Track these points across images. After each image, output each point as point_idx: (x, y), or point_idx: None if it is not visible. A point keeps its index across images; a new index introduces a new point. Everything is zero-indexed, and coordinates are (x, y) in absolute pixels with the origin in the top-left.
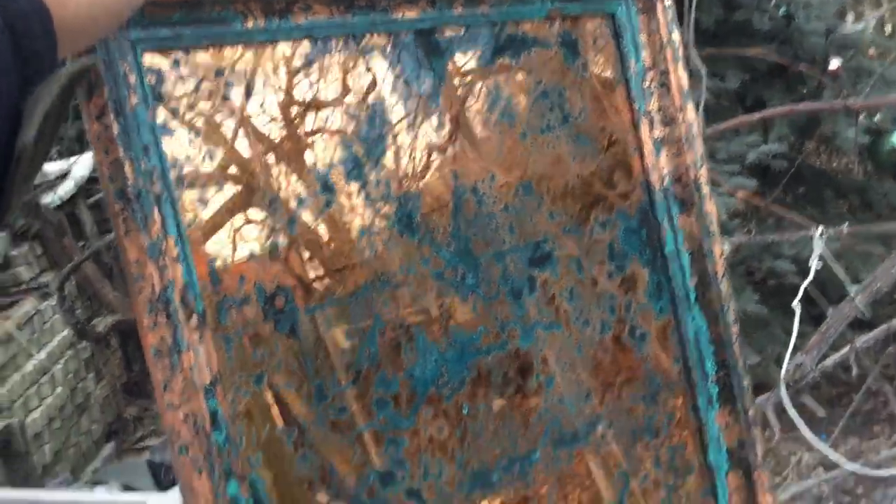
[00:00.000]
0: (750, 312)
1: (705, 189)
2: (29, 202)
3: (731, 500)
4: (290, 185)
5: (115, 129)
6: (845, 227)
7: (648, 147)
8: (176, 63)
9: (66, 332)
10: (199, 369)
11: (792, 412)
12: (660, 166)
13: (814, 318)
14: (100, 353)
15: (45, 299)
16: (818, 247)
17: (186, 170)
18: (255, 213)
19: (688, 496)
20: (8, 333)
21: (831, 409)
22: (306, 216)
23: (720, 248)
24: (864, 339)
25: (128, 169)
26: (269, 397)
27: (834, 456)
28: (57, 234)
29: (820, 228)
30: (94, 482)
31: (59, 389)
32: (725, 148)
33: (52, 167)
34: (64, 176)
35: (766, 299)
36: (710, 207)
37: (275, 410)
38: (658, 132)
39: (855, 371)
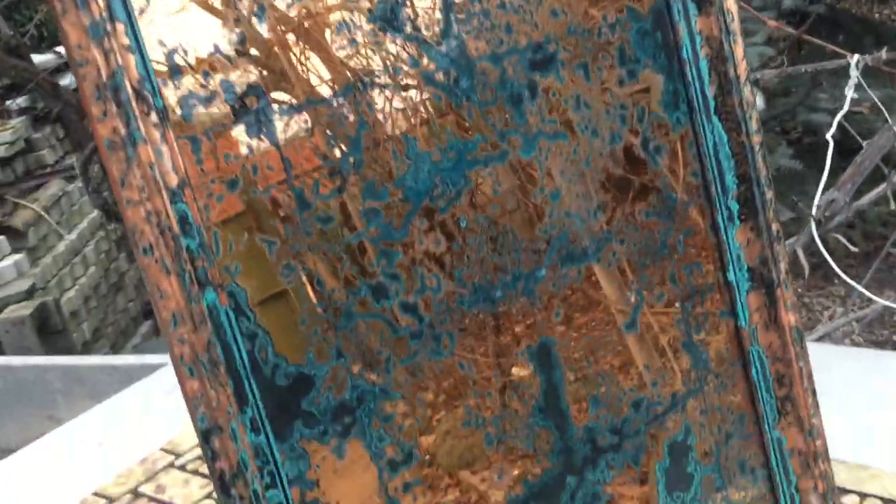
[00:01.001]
0: (784, 168)
1: None
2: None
3: (751, 320)
4: None
5: None
6: (883, 53)
7: None
8: None
9: (94, 214)
10: (164, 172)
11: (822, 248)
12: None
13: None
14: None
15: (71, 182)
16: (854, 75)
17: None
18: None
19: (705, 317)
20: (37, 215)
21: (865, 260)
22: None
23: (742, 51)
24: None
25: None
26: (245, 204)
27: (864, 291)
28: (78, 116)
29: (856, 57)
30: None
31: (91, 269)
32: None
33: None
34: None
35: (801, 155)
36: (731, 5)
37: (252, 218)
38: None
39: (893, 205)
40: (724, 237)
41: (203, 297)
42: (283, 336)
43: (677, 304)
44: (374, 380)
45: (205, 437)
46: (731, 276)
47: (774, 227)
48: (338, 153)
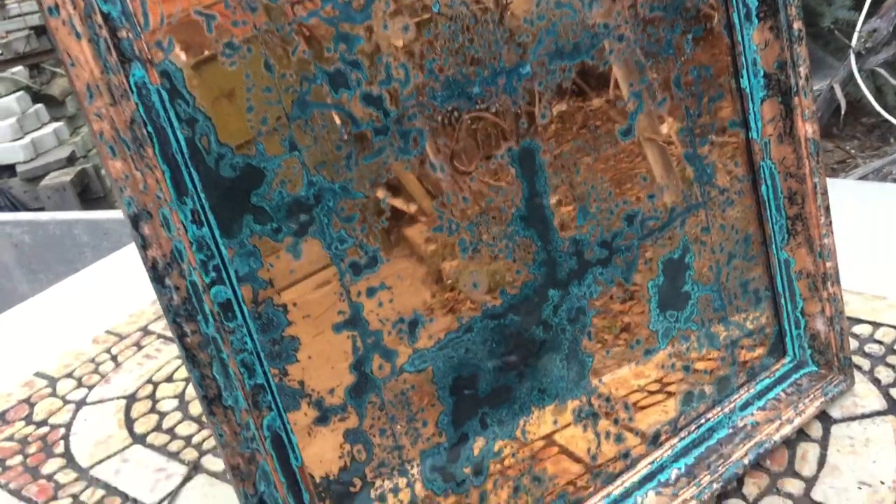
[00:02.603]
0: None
1: None
2: None
3: (764, 131)
4: None
5: None
6: None
7: None
8: None
9: None
10: None
11: (860, 81)
12: None
13: None
14: None
15: None
16: None
17: None
18: None
19: (712, 126)
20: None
21: None
22: None
23: None
24: None
25: None
26: None
27: None
28: None
29: None
30: None
31: None
32: None
33: None
34: None
35: None
36: None
37: None
38: None
39: None
40: (739, 38)
41: (129, 72)
42: (228, 124)
43: (681, 111)
44: (333, 177)
45: (133, 222)
46: (744, 83)
47: (796, 26)
48: None
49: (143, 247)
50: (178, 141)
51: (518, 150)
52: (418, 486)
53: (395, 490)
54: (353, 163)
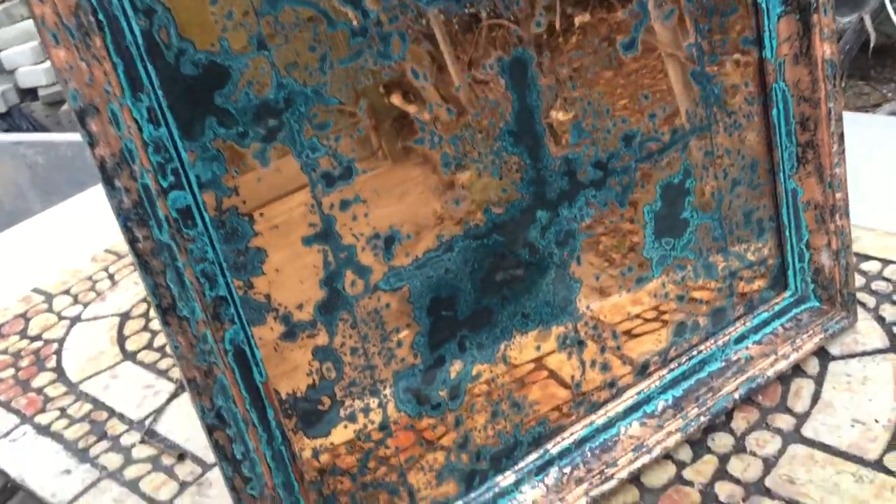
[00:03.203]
0: None
1: None
2: None
3: (779, 51)
4: None
5: None
6: None
7: None
8: None
9: None
10: None
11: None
12: None
13: None
14: None
15: None
16: None
17: None
18: None
19: (723, 43)
20: None
21: None
22: None
23: None
24: None
25: None
26: None
27: None
28: None
29: None
30: None
31: None
32: None
33: None
34: None
35: None
36: None
37: None
38: None
39: None
40: None
41: None
42: (191, 16)
43: (690, 25)
44: (305, 80)
45: (79, 118)
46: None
47: None
48: None
49: (91, 144)
50: (133, 32)
51: (509, 59)
52: (391, 408)
53: (367, 410)
54: (328, 66)
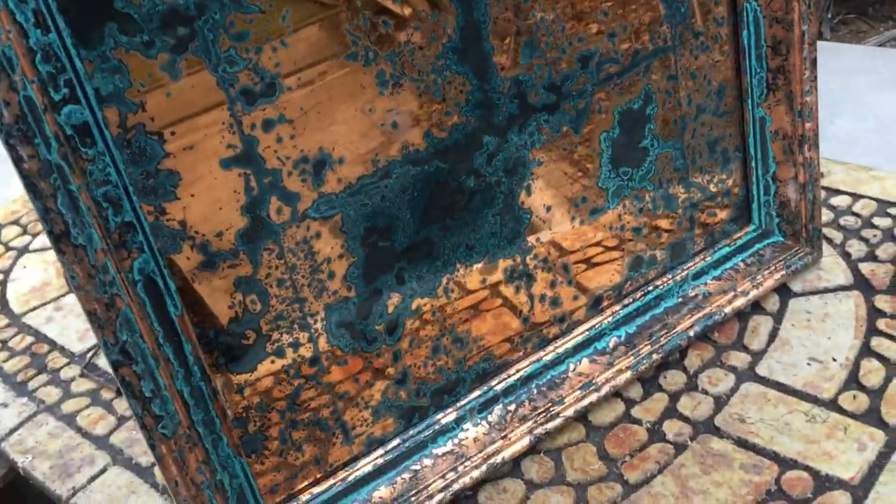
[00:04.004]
0: None
1: None
2: None
3: None
4: None
5: None
6: None
7: None
8: None
9: None
10: None
11: None
12: None
13: None
14: None
15: None
16: None
17: None
18: None
19: None
20: None
21: None
22: None
23: None
24: None
25: None
26: None
27: None
28: None
29: None
30: None
31: None
32: None
33: None
34: None
35: None
36: None
37: None
38: None
39: None
40: None
41: None
42: None
43: None
44: None
45: None
46: None
47: None
48: None
49: None
50: None
51: None
52: (322, 342)
53: (296, 345)
54: None
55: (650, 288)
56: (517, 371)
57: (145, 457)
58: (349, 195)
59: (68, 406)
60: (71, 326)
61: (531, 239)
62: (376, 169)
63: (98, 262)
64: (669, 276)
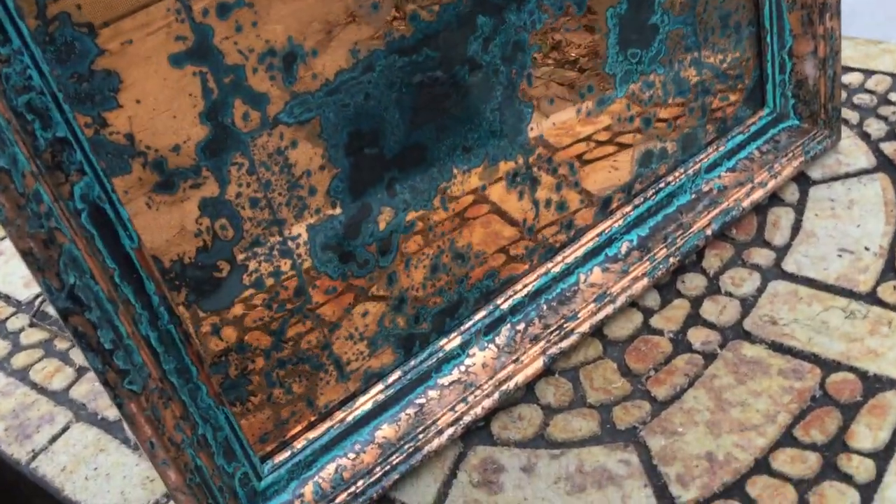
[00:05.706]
0: None
1: None
2: None
3: None
4: None
5: None
6: None
7: None
8: None
9: None
10: None
11: None
12: None
13: None
14: None
15: None
16: None
17: None
18: None
19: None
20: None
21: None
22: None
23: None
24: None
25: None
26: None
27: None
28: None
29: None
30: None
31: None
32: None
33: None
34: None
35: None
36: None
37: None
38: None
39: None
40: None
41: None
42: None
43: None
44: None
45: None
46: None
47: None
48: None
49: None
50: None
51: None
52: (307, 269)
53: (277, 274)
54: None
55: (661, 185)
56: (524, 287)
57: (112, 410)
58: (327, 94)
59: (19, 360)
60: (15, 272)
61: (534, 136)
62: (356, 61)
63: (28, 188)
64: (681, 171)
